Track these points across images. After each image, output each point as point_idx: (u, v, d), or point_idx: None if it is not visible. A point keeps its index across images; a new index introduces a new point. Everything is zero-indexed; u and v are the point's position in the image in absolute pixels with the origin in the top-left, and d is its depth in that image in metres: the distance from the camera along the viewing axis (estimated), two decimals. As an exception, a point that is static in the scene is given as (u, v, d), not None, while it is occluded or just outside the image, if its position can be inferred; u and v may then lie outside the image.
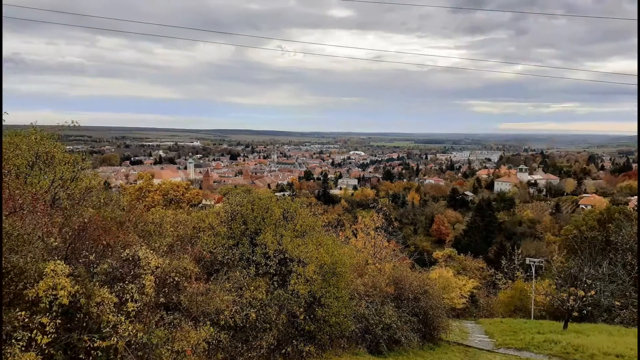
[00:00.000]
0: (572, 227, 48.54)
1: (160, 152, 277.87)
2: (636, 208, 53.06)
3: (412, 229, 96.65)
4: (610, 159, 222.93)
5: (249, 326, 11.11)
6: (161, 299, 9.38)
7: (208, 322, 9.91)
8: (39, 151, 13.03)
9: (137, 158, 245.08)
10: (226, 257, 12.28)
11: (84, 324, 7.96)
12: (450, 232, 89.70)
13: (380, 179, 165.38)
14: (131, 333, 8.13)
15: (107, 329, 7.99)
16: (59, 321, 7.47)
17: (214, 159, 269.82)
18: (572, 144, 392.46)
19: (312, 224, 14.32)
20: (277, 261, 12.60)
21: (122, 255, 9.34)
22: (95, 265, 8.92)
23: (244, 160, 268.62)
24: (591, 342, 15.86)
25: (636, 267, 25.58)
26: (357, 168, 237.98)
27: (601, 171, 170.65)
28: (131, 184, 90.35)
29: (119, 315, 8.17)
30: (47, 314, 7.42)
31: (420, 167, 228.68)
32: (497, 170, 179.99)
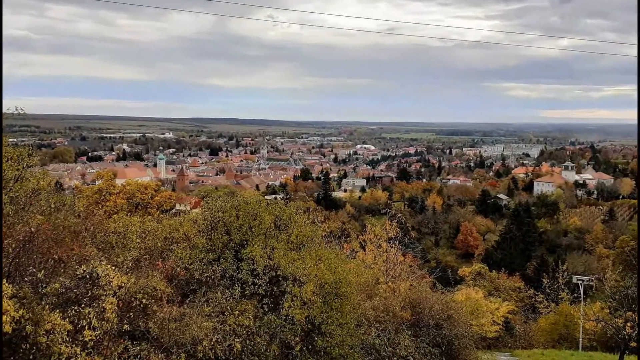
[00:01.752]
0: (629, 238, 48.64)
1: (124, 146, 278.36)
2: None
3: (433, 240, 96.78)
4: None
5: (233, 359, 11.11)
6: (125, 326, 9.36)
7: (183, 355, 9.88)
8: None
9: (95, 153, 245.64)
10: (205, 275, 12.28)
11: (31, 357, 7.94)
12: (480, 243, 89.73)
13: (394, 179, 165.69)
14: (89, 368, 8.16)
15: (59, 362, 7.99)
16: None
17: (190, 155, 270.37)
18: (629, 135, 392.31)
19: (310, 234, 14.30)
20: (268, 280, 12.58)
21: (78, 273, 9.33)
22: (44, 285, 8.91)
23: (226, 156, 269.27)
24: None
25: None
26: (365, 165, 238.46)
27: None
28: (88, 184, 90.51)
29: (74, 346, 8.16)
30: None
31: (443, 164, 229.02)
32: (537, 168, 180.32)
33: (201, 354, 10.33)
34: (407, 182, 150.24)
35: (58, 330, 8.14)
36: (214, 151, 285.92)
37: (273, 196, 77.23)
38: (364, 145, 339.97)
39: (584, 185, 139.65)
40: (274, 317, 12.15)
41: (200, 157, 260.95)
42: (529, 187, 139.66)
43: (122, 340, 9.39)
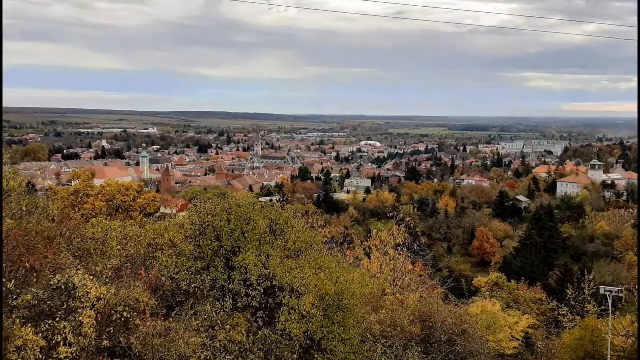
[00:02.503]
0: (662, 244, 48.68)
1: (104, 143, 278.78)
2: None
3: (445, 247, 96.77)
4: None
5: (224, 379, 11.12)
6: (104, 342, 9.36)
7: (168, 373, 9.93)
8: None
9: (71, 150, 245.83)
10: (193, 285, 12.29)
11: (0, 376, 7.96)
12: (497, 250, 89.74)
13: (402, 179, 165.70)
14: (64, 388, 8.17)
15: (31, 382, 8.00)
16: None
17: (176, 152, 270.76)
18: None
19: (309, 240, 14.32)
20: (262, 290, 12.59)
21: (52, 283, 9.33)
22: (14, 296, 8.91)
23: (216, 154, 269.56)
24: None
25: None
26: (370, 164, 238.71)
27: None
28: (63, 185, 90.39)
29: (48, 363, 8.16)
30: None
31: (456, 162, 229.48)
32: (560, 166, 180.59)
33: (189, 372, 10.35)
34: (417, 182, 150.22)
35: (30, 346, 8.14)
36: (203, 148, 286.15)
37: (268, 198, 77.26)
38: (369, 142, 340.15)
39: (612, 185, 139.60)
40: (269, 332, 12.17)
41: (187, 155, 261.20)
42: (551, 188, 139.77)
43: (100, 358, 9.39)
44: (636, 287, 30.18)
